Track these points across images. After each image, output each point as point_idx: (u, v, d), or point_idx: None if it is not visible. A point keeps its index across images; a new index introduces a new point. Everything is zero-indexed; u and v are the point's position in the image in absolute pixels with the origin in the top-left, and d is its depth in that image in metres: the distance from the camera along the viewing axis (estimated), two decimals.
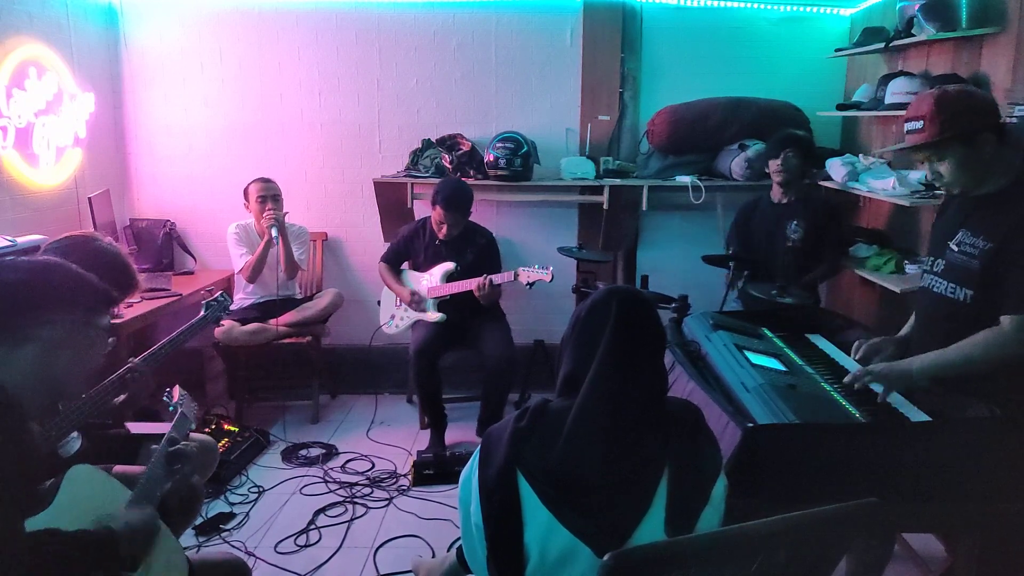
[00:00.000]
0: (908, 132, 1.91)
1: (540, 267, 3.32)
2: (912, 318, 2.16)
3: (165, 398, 1.95)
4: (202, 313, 2.42)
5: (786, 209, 3.27)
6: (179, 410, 1.86)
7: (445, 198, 3.41)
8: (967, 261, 1.86)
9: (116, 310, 1.57)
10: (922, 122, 1.86)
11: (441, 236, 3.52)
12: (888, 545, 2.14)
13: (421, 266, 3.65)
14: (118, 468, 1.77)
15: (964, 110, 1.82)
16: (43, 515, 1.34)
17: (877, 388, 1.86)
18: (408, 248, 3.69)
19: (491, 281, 3.35)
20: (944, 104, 1.83)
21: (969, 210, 1.92)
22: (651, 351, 1.36)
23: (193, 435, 2.13)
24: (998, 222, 1.82)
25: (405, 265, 3.72)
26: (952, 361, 1.82)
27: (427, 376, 3.39)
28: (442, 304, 3.56)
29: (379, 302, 3.84)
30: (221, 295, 2.51)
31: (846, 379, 1.90)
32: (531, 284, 3.33)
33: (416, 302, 3.56)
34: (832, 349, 2.27)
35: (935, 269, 1.99)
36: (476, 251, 3.59)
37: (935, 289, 1.98)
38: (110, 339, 1.59)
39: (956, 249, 1.91)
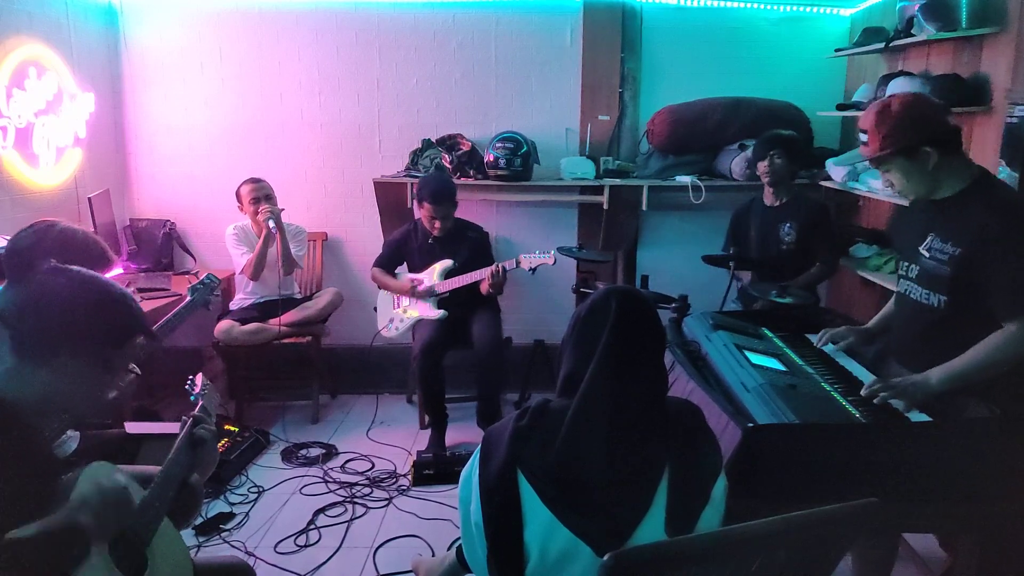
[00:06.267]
0: (860, 143, 1.94)
1: (542, 252, 3.33)
2: (881, 312, 2.19)
3: (187, 387, 1.82)
4: (188, 298, 2.35)
5: (779, 211, 3.26)
6: (200, 402, 1.73)
7: (431, 192, 3.42)
8: (938, 267, 1.87)
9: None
10: (866, 135, 1.89)
11: (435, 232, 3.52)
12: (892, 545, 2.14)
13: (417, 267, 3.65)
14: None
15: (903, 126, 1.82)
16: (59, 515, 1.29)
17: (897, 404, 1.79)
18: (401, 251, 3.69)
19: (503, 268, 3.37)
20: (883, 120, 1.85)
21: (934, 214, 1.93)
22: (651, 351, 1.36)
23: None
24: (962, 226, 1.83)
25: (402, 267, 3.72)
26: (971, 368, 1.79)
27: (432, 374, 3.39)
28: (441, 301, 3.57)
29: (375, 308, 3.82)
30: (208, 276, 2.42)
31: (863, 391, 1.85)
32: (534, 270, 3.34)
33: (417, 290, 3.55)
34: (832, 349, 2.26)
35: (910, 275, 2.00)
36: (469, 246, 3.60)
37: (911, 296, 1.99)
38: (131, 374, 1.53)
39: (927, 255, 1.91)
